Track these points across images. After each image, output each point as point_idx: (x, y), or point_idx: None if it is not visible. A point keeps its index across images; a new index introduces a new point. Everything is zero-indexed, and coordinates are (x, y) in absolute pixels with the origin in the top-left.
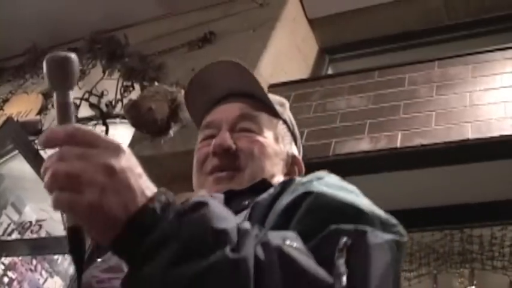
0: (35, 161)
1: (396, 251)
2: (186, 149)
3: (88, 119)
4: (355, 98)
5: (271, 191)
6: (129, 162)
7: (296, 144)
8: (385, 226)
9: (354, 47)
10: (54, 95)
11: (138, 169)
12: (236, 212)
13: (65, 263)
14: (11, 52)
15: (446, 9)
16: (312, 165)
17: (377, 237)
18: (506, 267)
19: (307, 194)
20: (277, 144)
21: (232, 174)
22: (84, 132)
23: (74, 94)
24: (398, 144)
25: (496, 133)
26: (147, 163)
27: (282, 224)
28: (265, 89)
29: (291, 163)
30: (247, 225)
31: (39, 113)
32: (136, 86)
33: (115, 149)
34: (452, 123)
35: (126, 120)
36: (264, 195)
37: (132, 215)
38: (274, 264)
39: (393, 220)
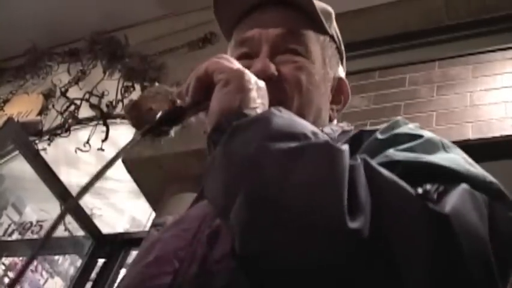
0: (36, 161)
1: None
2: (187, 150)
3: (88, 120)
4: (356, 98)
5: None
6: (257, 85)
7: (342, 63)
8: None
9: (355, 47)
10: None
11: (261, 94)
12: None
13: (65, 263)
14: (11, 53)
15: (447, 9)
16: None
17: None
18: None
19: (392, 163)
20: (324, 68)
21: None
22: None
23: (75, 94)
24: None
25: (497, 133)
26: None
27: None
28: None
29: (336, 88)
30: None
31: (40, 113)
32: (137, 87)
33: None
34: (453, 123)
35: (126, 121)
36: None
37: (238, 106)
38: (359, 168)
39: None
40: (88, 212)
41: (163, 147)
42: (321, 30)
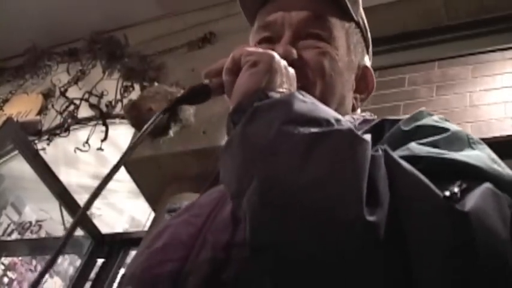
0: (35, 161)
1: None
2: (185, 150)
3: (88, 119)
4: None
5: None
6: (286, 71)
7: (368, 51)
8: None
9: None
10: None
11: (289, 80)
12: None
13: (65, 263)
14: (10, 52)
15: (447, 9)
16: None
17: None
18: None
19: (413, 158)
20: (349, 56)
21: None
22: None
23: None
24: None
25: (496, 133)
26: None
27: None
28: None
29: (360, 76)
30: None
31: (39, 113)
32: (136, 87)
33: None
34: (452, 123)
35: (126, 121)
36: None
37: (264, 88)
38: (380, 159)
39: None
40: (87, 212)
41: (163, 147)
42: (347, 16)
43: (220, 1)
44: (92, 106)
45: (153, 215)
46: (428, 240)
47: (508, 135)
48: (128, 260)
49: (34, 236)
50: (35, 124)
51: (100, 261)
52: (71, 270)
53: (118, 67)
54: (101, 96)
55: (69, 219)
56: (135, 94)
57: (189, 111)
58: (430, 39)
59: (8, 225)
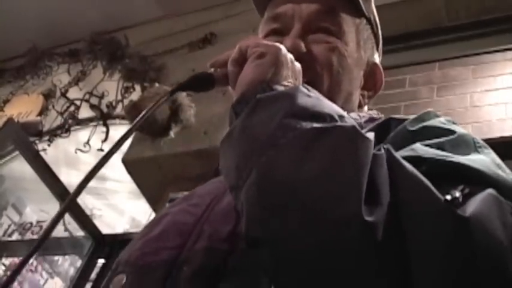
0: (36, 162)
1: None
2: (186, 150)
3: (89, 120)
4: None
5: None
6: (292, 64)
7: (378, 48)
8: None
9: None
10: None
11: (295, 74)
12: None
13: (65, 264)
14: (11, 53)
15: (447, 10)
16: None
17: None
18: None
19: (417, 159)
20: (358, 52)
21: None
22: None
23: (75, 95)
24: None
25: (497, 134)
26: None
27: None
28: None
29: (369, 73)
30: None
31: (40, 114)
32: (137, 87)
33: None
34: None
35: (126, 121)
36: None
37: (269, 80)
38: (382, 159)
39: None
40: (88, 212)
41: (164, 148)
42: (358, 11)
43: (220, 2)
44: (92, 107)
45: (153, 215)
46: (429, 244)
47: (509, 136)
48: None
49: (35, 237)
50: (36, 125)
51: (101, 261)
52: (72, 271)
53: (119, 68)
54: (101, 96)
55: (69, 220)
56: (135, 95)
57: (189, 112)
58: (431, 40)
59: (9, 225)
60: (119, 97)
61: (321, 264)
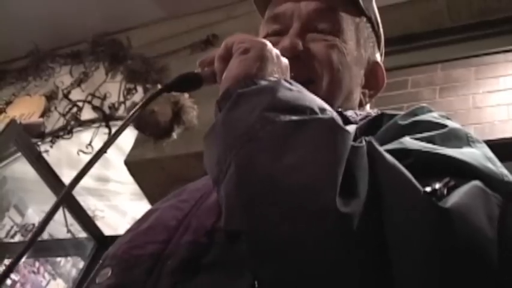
0: (38, 163)
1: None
2: (189, 152)
3: (91, 122)
4: None
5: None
6: (278, 60)
7: (379, 47)
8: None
9: None
10: None
11: (280, 70)
12: None
13: (67, 265)
14: (13, 54)
15: (449, 11)
16: None
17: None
18: None
19: (403, 152)
20: (358, 50)
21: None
22: None
23: (77, 96)
24: None
25: (499, 135)
26: (149, 165)
27: None
28: None
29: (370, 71)
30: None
31: (42, 115)
32: (139, 89)
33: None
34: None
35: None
36: None
37: (254, 75)
38: (362, 150)
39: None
40: (90, 214)
41: (166, 149)
42: (357, 10)
43: (222, 3)
44: (95, 108)
45: None
46: (408, 236)
47: (511, 138)
48: None
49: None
50: (38, 126)
51: None
52: (74, 272)
53: (121, 69)
54: (103, 98)
55: (72, 222)
56: (138, 96)
57: (192, 114)
58: (433, 41)
59: (11, 227)
60: (121, 98)
61: (299, 256)
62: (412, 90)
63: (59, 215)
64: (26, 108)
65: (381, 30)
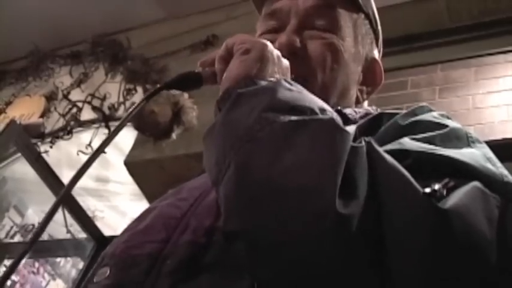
0: (38, 163)
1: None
2: (188, 152)
3: (91, 122)
4: None
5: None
6: (279, 61)
7: (377, 44)
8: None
9: None
10: None
11: (281, 70)
12: None
13: (67, 265)
14: (13, 55)
15: (449, 12)
16: None
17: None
18: None
19: (402, 152)
20: (356, 47)
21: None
22: None
23: (77, 97)
24: None
25: (498, 136)
26: (149, 166)
27: None
28: None
29: (368, 68)
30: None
31: (42, 115)
32: (139, 89)
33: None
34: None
35: (128, 123)
36: None
37: (254, 75)
38: (362, 151)
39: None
40: (90, 214)
41: (166, 150)
42: (355, 6)
43: (222, 4)
44: (94, 109)
45: None
46: (407, 237)
47: (510, 138)
48: None
49: None
50: (38, 127)
51: None
52: (74, 273)
53: (121, 70)
54: (103, 98)
55: (72, 222)
56: (137, 97)
57: (192, 114)
58: (433, 42)
59: (11, 227)
60: (121, 99)
61: (298, 256)
62: (412, 91)
63: (59, 215)
64: (25, 109)
65: (379, 27)
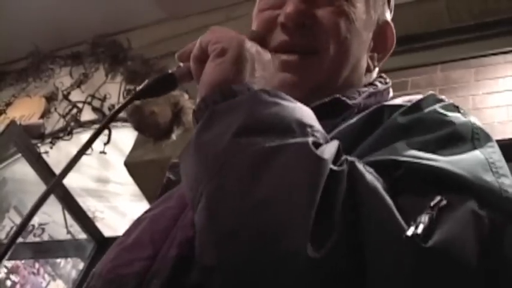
0: (38, 164)
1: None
2: None
3: (91, 123)
4: None
5: (352, 122)
6: (259, 56)
7: (389, 3)
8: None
9: None
10: None
11: (261, 66)
12: None
13: (67, 266)
14: (13, 56)
15: (449, 12)
16: None
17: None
18: None
19: (394, 163)
20: (367, 12)
21: (306, 60)
22: None
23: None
24: None
25: (499, 136)
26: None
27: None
28: None
29: (379, 33)
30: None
31: (42, 116)
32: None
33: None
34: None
35: (128, 124)
36: (344, 127)
37: (232, 80)
38: (342, 177)
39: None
40: (90, 215)
41: (165, 150)
42: None
43: (223, 4)
44: (94, 109)
45: None
46: (388, 274)
47: (511, 139)
48: None
49: (37, 239)
50: (38, 127)
51: None
52: (74, 274)
53: (121, 70)
54: (103, 99)
55: (72, 223)
56: None
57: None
58: (433, 42)
59: (11, 228)
60: (121, 100)
61: None
62: (412, 92)
63: (59, 216)
64: (26, 110)
65: None
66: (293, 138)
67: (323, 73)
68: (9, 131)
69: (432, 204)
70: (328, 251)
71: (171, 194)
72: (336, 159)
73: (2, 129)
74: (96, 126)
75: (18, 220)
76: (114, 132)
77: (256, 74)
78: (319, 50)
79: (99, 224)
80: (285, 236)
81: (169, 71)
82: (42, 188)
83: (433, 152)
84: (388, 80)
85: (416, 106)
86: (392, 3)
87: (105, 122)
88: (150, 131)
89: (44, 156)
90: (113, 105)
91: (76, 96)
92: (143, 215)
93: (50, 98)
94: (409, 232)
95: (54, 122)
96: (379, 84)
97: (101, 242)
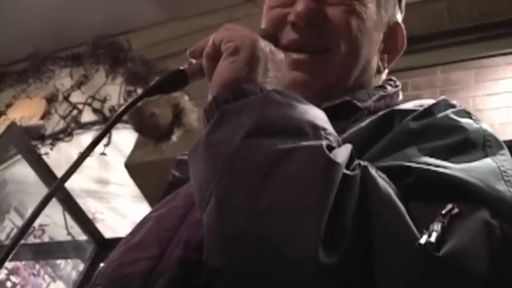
0: (38, 165)
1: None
2: None
3: (91, 124)
4: None
5: (363, 125)
6: (272, 56)
7: (400, 5)
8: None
9: None
10: None
11: (275, 66)
12: None
13: (67, 267)
14: (14, 57)
15: (449, 14)
16: None
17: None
18: None
19: (404, 170)
20: (378, 13)
21: (316, 59)
22: None
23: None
24: None
25: (500, 138)
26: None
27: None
28: None
29: (389, 34)
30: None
31: (42, 117)
32: (139, 91)
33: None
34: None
35: (129, 125)
36: (355, 130)
37: (244, 79)
38: (354, 183)
39: None
40: (90, 216)
41: (166, 151)
42: None
43: (223, 5)
44: (95, 111)
45: None
46: (399, 282)
47: (511, 140)
48: None
49: (37, 241)
50: (38, 129)
51: None
52: (74, 275)
53: (121, 72)
54: (104, 100)
55: (72, 224)
56: None
57: (192, 116)
58: (433, 44)
59: (11, 229)
60: (122, 101)
61: None
62: (413, 93)
63: (59, 217)
64: (26, 111)
65: None
66: (306, 141)
67: (334, 72)
68: (9, 132)
69: (444, 212)
70: (340, 256)
71: (177, 193)
72: (349, 164)
73: (3, 130)
74: (97, 127)
75: (18, 221)
76: (114, 133)
77: (269, 74)
78: (329, 49)
79: (99, 225)
80: (296, 239)
81: (181, 68)
82: (42, 189)
83: (445, 159)
84: (398, 83)
85: (429, 111)
86: (403, 4)
87: (113, 119)
88: (151, 133)
89: (44, 157)
90: (113, 107)
91: (76, 97)
92: (149, 214)
93: (50, 99)
94: (422, 240)
95: (55, 123)
96: (389, 87)
97: (101, 243)
